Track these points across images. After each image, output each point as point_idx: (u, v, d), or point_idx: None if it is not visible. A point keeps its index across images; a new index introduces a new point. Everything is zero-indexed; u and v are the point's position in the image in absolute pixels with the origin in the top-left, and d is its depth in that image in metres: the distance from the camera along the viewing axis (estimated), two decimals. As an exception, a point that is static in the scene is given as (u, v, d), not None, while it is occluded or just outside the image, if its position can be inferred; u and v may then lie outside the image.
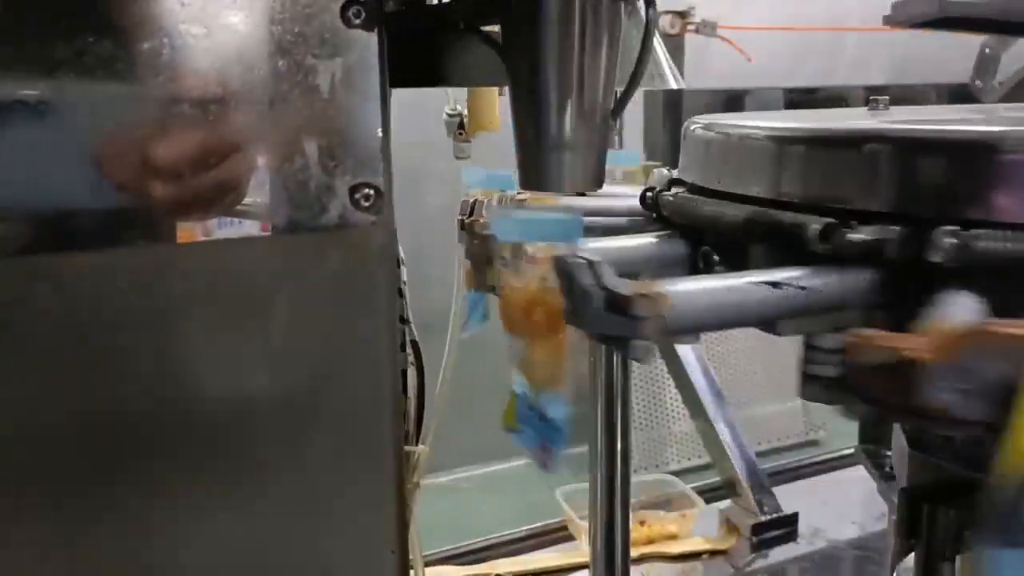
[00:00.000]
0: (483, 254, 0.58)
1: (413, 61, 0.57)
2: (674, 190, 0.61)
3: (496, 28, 0.56)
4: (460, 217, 0.70)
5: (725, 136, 0.58)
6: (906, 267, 0.44)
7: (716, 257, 0.56)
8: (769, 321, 0.45)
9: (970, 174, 0.44)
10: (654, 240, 0.59)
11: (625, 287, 0.41)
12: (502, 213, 0.51)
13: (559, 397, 0.50)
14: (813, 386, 0.46)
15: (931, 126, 0.51)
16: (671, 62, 0.86)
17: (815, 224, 0.46)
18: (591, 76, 0.50)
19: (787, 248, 0.48)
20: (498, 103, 1.07)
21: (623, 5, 0.50)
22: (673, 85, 0.85)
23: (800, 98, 2.05)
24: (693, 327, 0.44)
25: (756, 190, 0.53)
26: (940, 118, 0.60)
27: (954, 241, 0.41)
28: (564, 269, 0.43)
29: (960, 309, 0.40)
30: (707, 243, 0.57)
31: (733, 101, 2.07)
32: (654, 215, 0.63)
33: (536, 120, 0.51)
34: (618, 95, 0.54)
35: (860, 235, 0.44)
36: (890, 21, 0.68)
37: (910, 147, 0.46)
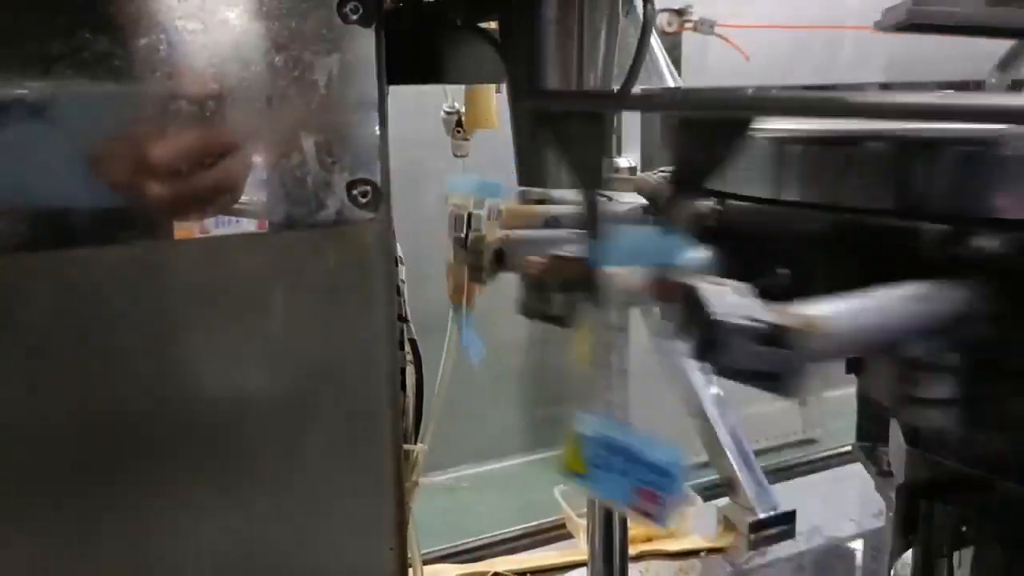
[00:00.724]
0: (562, 280, 0.50)
1: (411, 58, 0.56)
2: (722, 200, 0.56)
3: (494, 25, 0.56)
4: (457, 234, 0.65)
5: (780, 140, 0.51)
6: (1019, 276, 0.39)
7: (782, 271, 0.48)
8: (912, 341, 0.40)
9: None
10: (708, 254, 0.54)
11: (777, 315, 0.35)
12: (615, 235, 0.45)
13: (659, 439, 0.42)
14: (923, 408, 0.41)
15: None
16: (669, 61, 0.86)
17: (934, 232, 0.41)
18: (589, 72, 0.50)
19: (889, 259, 0.43)
20: (495, 101, 1.06)
21: (620, 2, 0.50)
22: (670, 83, 0.85)
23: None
24: (842, 353, 0.38)
25: (823, 197, 0.47)
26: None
27: None
28: (691, 296, 0.36)
29: None
30: (771, 255, 0.49)
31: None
32: (656, 216, 0.60)
33: (534, 117, 0.51)
34: (615, 91, 0.54)
35: (984, 243, 0.40)
36: (880, 26, 0.69)
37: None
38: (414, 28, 0.56)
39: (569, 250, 0.49)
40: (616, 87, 0.55)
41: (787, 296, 0.39)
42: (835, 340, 0.35)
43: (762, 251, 0.50)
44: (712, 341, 0.35)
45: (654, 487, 0.42)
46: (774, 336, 0.34)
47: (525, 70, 0.50)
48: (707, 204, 0.54)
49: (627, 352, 0.43)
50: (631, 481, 0.42)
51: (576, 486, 0.46)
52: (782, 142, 0.51)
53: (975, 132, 0.44)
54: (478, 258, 0.62)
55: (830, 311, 0.36)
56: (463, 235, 0.64)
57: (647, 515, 0.42)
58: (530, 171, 0.53)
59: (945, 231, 0.40)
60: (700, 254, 0.50)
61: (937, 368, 0.40)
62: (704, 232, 0.53)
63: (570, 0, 0.47)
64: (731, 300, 0.35)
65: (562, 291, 0.49)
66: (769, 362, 0.34)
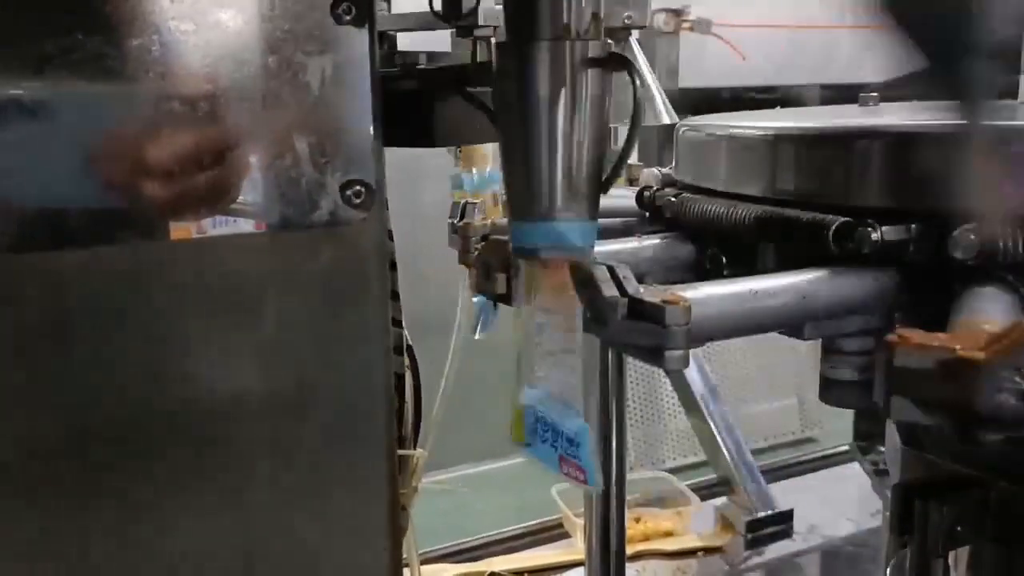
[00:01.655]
0: (498, 262, 0.56)
1: (406, 121, 0.57)
2: (673, 190, 0.60)
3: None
4: (451, 220, 0.69)
5: (728, 137, 0.57)
6: (927, 266, 0.43)
7: (724, 259, 0.55)
8: (795, 325, 0.44)
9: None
10: (659, 243, 0.58)
11: (651, 294, 0.39)
12: (517, 220, 0.48)
13: (571, 410, 0.47)
14: (836, 390, 0.45)
15: (944, 121, 0.50)
16: (666, 99, 0.85)
17: (832, 223, 0.44)
18: (579, 147, 0.48)
19: (802, 249, 0.46)
20: (489, 149, 1.12)
21: (611, 79, 0.49)
22: (667, 121, 0.85)
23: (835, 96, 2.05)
24: (720, 333, 0.42)
25: (763, 189, 0.52)
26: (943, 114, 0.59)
27: (976, 238, 0.41)
28: (583, 277, 0.41)
29: (994, 306, 0.40)
30: (714, 244, 0.55)
31: (731, 100, 2.07)
32: (647, 214, 0.62)
33: (527, 186, 0.49)
34: (609, 171, 0.53)
35: (878, 233, 0.43)
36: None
37: (931, 144, 0.45)
38: (409, 92, 0.57)
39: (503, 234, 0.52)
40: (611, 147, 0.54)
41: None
42: (703, 320, 0.39)
43: (708, 237, 0.55)
44: (600, 316, 0.40)
45: (572, 456, 0.46)
46: (647, 313, 0.38)
47: (517, 140, 0.49)
48: (665, 195, 0.57)
49: (566, 334, 0.45)
50: (557, 451, 0.47)
51: (527, 456, 0.50)
52: (721, 139, 0.57)
53: (879, 128, 0.48)
54: (466, 243, 0.64)
55: (704, 294, 0.41)
56: (456, 221, 0.67)
57: (576, 480, 0.46)
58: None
59: (847, 222, 0.44)
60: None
61: (845, 352, 0.42)
62: (665, 220, 0.59)
63: (559, 75, 0.46)
64: (617, 280, 0.40)
65: (501, 272, 0.53)
66: (646, 336, 0.38)
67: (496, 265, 0.55)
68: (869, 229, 0.44)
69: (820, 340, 0.47)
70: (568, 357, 0.47)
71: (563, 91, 0.46)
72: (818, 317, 0.43)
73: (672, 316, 0.38)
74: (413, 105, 0.58)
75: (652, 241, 0.58)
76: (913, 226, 0.43)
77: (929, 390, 0.35)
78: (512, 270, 0.50)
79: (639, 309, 0.39)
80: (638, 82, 0.46)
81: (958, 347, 0.34)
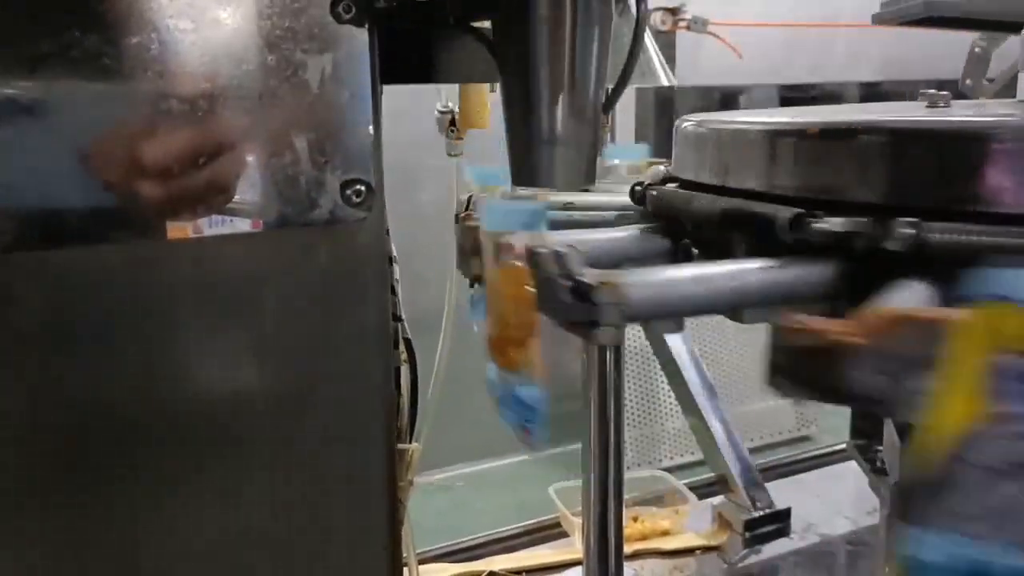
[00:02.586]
0: (470, 243, 0.59)
1: (404, 58, 0.56)
2: (657, 184, 0.62)
3: (487, 24, 0.55)
4: (457, 213, 0.71)
5: (706, 132, 0.59)
6: (869, 258, 0.44)
7: (695, 250, 0.57)
8: (731, 309, 0.47)
9: (929, 165, 0.45)
10: (636, 233, 0.60)
11: (589, 275, 0.42)
12: (488, 203, 0.52)
13: (528, 379, 0.51)
14: (776, 376, 0.46)
15: (897, 117, 0.51)
16: (662, 59, 0.86)
17: (784, 214, 0.47)
18: (582, 72, 0.50)
19: (760, 239, 0.48)
20: (489, 101, 1.06)
21: (613, 2, 0.50)
22: (664, 82, 0.85)
23: (794, 95, 2.06)
24: (654, 313, 0.45)
25: (733, 183, 0.54)
26: (909, 112, 0.61)
27: (911, 231, 0.42)
28: (534, 258, 0.45)
29: (902, 297, 0.41)
30: (687, 235, 0.57)
31: (726, 99, 2.08)
32: (642, 210, 0.63)
33: (527, 116, 0.51)
34: (609, 91, 0.54)
35: (826, 225, 0.45)
36: (879, 20, 0.68)
37: (883, 139, 0.47)
38: (406, 28, 0.57)
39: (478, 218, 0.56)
40: (610, 86, 0.55)
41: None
42: (649, 300, 0.43)
43: (682, 229, 0.58)
44: (544, 294, 0.44)
45: (527, 421, 0.53)
46: (583, 291, 0.42)
47: (517, 70, 0.51)
48: (651, 189, 0.61)
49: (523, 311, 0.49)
50: (517, 416, 0.53)
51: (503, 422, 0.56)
52: (709, 134, 0.59)
53: (830, 123, 0.51)
54: (464, 235, 0.67)
55: (641, 278, 0.44)
56: (460, 213, 0.68)
57: (526, 443, 0.54)
58: (522, 171, 0.53)
59: (798, 214, 0.46)
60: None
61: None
62: (647, 210, 0.62)
63: (562, 0, 0.47)
64: (562, 261, 0.43)
65: (475, 255, 0.57)
66: (582, 313, 0.42)
67: (470, 248, 0.57)
68: (811, 220, 0.45)
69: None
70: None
71: (566, 14, 0.48)
72: (753, 303, 0.46)
73: (603, 295, 0.41)
74: (410, 40, 0.58)
75: (630, 231, 0.60)
76: (860, 219, 0.44)
77: (808, 371, 0.38)
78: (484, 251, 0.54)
79: (576, 288, 0.42)
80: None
81: (833, 330, 0.36)
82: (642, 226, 0.61)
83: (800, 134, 0.51)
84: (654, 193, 0.60)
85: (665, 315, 0.46)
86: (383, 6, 0.48)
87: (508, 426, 0.55)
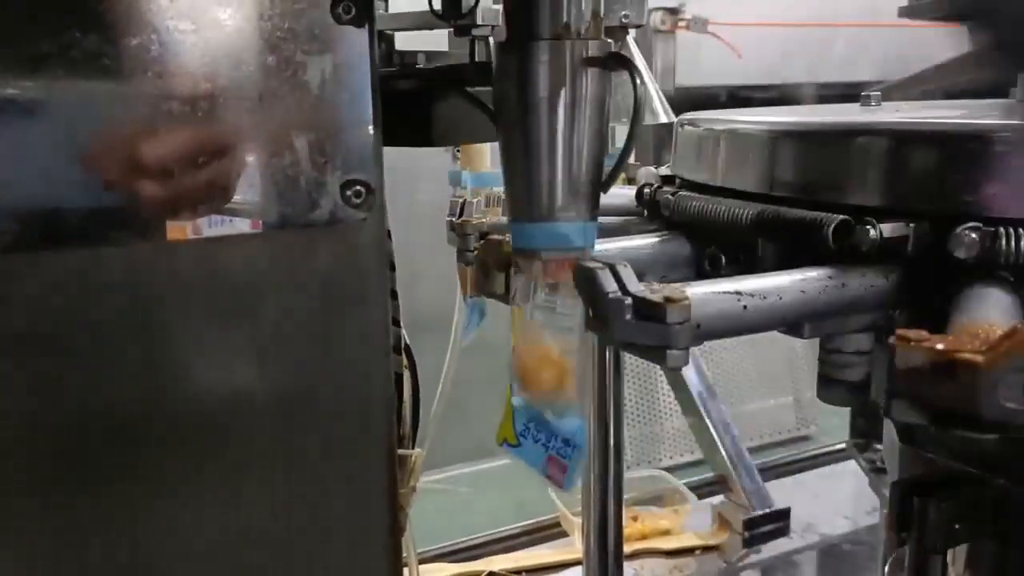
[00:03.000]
0: (496, 261, 0.56)
1: (405, 121, 0.57)
2: (671, 188, 0.60)
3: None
4: (449, 218, 0.69)
5: (729, 132, 0.56)
6: (926, 265, 0.43)
7: (723, 258, 0.55)
8: (796, 323, 0.44)
9: (992, 170, 0.43)
10: (657, 241, 0.58)
11: (653, 292, 0.39)
12: (517, 220, 0.49)
13: (570, 408, 0.46)
14: (834, 389, 0.45)
15: (951, 120, 0.50)
16: (663, 98, 0.86)
17: (831, 222, 0.44)
18: (579, 147, 0.48)
19: (800, 247, 0.46)
20: (488, 148, 1.11)
21: (609, 80, 0.49)
22: (664, 120, 0.85)
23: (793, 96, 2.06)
24: (723, 331, 0.42)
25: (762, 186, 0.52)
26: (956, 114, 0.59)
27: (977, 237, 0.41)
28: (584, 276, 0.41)
29: (993, 307, 0.40)
30: (712, 242, 0.55)
31: (726, 100, 2.07)
32: (645, 212, 0.62)
33: (527, 187, 0.49)
34: (608, 172, 0.53)
35: (877, 232, 0.43)
36: (908, 13, 0.67)
37: (929, 143, 0.45)
38: (409, 92, 0.57)
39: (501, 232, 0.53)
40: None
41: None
42: (705, 318, 0.39)
43: (706, 235, 0.55)
44: (601, 315, 0.40)
45: (563, 456, 0.47)
46: (649, 311, 0.38)
47: (517, 138, 0.49)
48: (664, 193, 0.57)
49: (566, 334, 0.45)
50: (548, 451, 0.48)
51: (509, 455, 0.50)
52: (720, 134, 0.57)
53: (880, 125, 0.49)
54: (464, 241, 0.65)
55: (706, 292, 0.40)
56: (455, 219, 0.67)
57: (555, 481, 0.48)
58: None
59: (845, 220, 0.44)
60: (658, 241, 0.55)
61: (843, 351, 0.42)
62: (664, 218, 0.59)
63: (559, 75, 0.46)
64: (618, 279, 0.39)
65: (499, 271, 0.53)
66: (648, 335, 0.38)
67: (494, 265, 0.55)
68: (868, 227, 0.44)
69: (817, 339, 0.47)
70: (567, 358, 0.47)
71: (563, 91, 0.46)
72: (818, 316, 0.43)
73: (674, 314, 0.38)
74: (412, 104, 0.58)
75: (650, 239, 0.58)
76: (912, 224, 0.43)
77: (929, 392, 0.35)
78: (511, 270, 0.50)
79: (641, 307, 0.39)
80: (638, 81, 0.46)
81: (959, 349, 0.34)
82: (662, 233, 0.58)
83: (831, 136, 0.49)
84: (671, 198, 0.58)
85: (734, 332, 0.42)
86: (385, 71, 0.47)
87: (525, 460, 0.49)
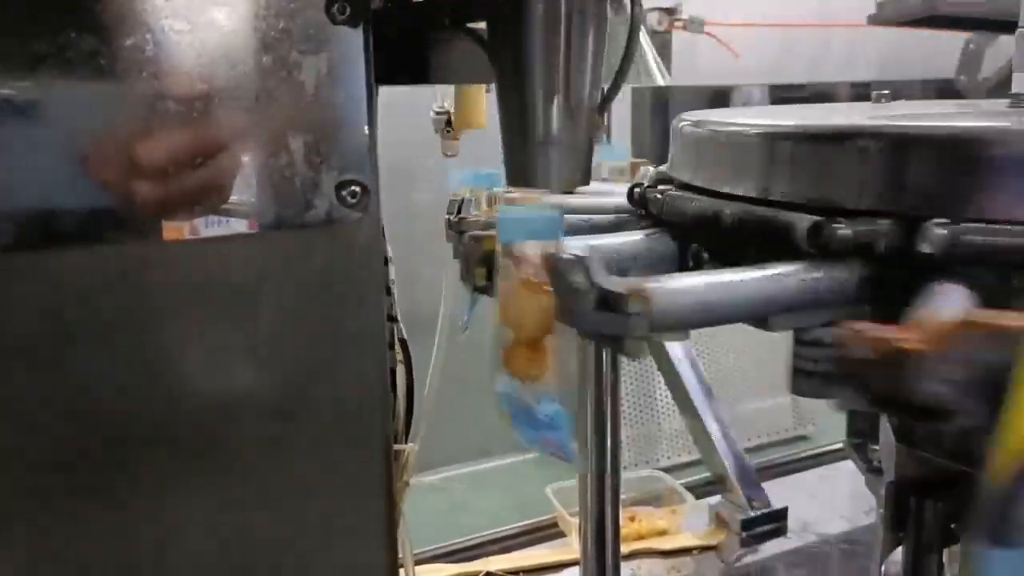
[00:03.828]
0: (475, 253, 0.58)
1: (399, 59, 0.56)
2: (661, 187, 0.61)
3: (483, 25, 0.56)
4: (448, 216, 0.70)
5: (714, 133, 0.57)
6: (895, 262, 0.44)
7: (705, 255, 0.56)
8: (760, 317, 0.45)
9: (959, 170, 0.44)
10: (642, 237, 0.59)
11: (616, 284, 0.40)
12: (501, 213, 0.50)
13: (546, 393, 0.49)
14: (804, 381, 0.46)
15: (918, 122, 0.51)
16: (658, 58, 0.86)
17: (803, 222, 0.46)
18: (577, 73, 0.50)
19: (777, 246, 0.47)
20: (484, 101, 1.07)
21: (609, 2, 0.50)
22: (660, 82, 0.85)
23: (786, 95, 2.06)
24: (683, 323, 0.43)
25: (745, 188, 0.53)
26: (926, 114, 0.60)
27: (944, 233, 0.42)
28: (555, 266, 0.43)
29: (950, 300, 0.40)
30: (696, 241, 0.57)
31: (719, 97, 2.08)
32: (641, 212, 0.62)
33: (523, 117, 0.51)
34: (604, 91, 0.54)
35: (848, 231, 0.44)
36: (875, 20, 0.69)
37: (898, 143, 0.46)
38: (402, 29, 0.57)
39: (489, 229, 0.54)
40: (606, 86, 0.55)
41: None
42: (666, 309, 0.41)
43: (690, 234, 0.56)
44: (567, 304, 0.42)
45: (553, 438, 0.50)
46: (611, 302, 0.39)
47: (512, 71, 0.51)
48: (652, 192, 0.59)
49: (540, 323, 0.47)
50: (538, 432, 0.50)
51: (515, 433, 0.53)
52: (712, 136, 0.57)
53: (841, 128, 0.50)
54: (461, 239, 0.65)
55: (677, 285, 0.42)
56: (452, 218, 0.67)
57: (560, 457, 0.51)
58: (518, 171, 0.53)
59: (817, 221, 0.45)
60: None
61: (818, 344, 0.44)
62: (652, 217, 0.60)
63: (557, 0, 0.47)
64: (585, 270, 0.41)
65: (480, 265, 0.55)
66: (610, 325, 0.39)
67: (476, 258, 0.56)
68: (835, 226, 0.45)
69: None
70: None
71: (561, 16, 0.47)
72: (783, 309, 0.44)
73: (634, 305, 0.39)
74: (409, 42, 0.58)
75: (636, 237, 0.59)
76: (883, 222, 0.44)
77: (871, 380, 0.36)
78: (493, 262, 0.52)
79: (604, 298, 0.40)
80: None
81: (900, 337, 0.35)
82: (647, 230, 0.60)
83: (811, 138, 0.50)
84: (658, 196, 0.59)
85: (693, 324, 0.43)
86: (379, 7, 0.48)
87: (531, 443, 0.53)
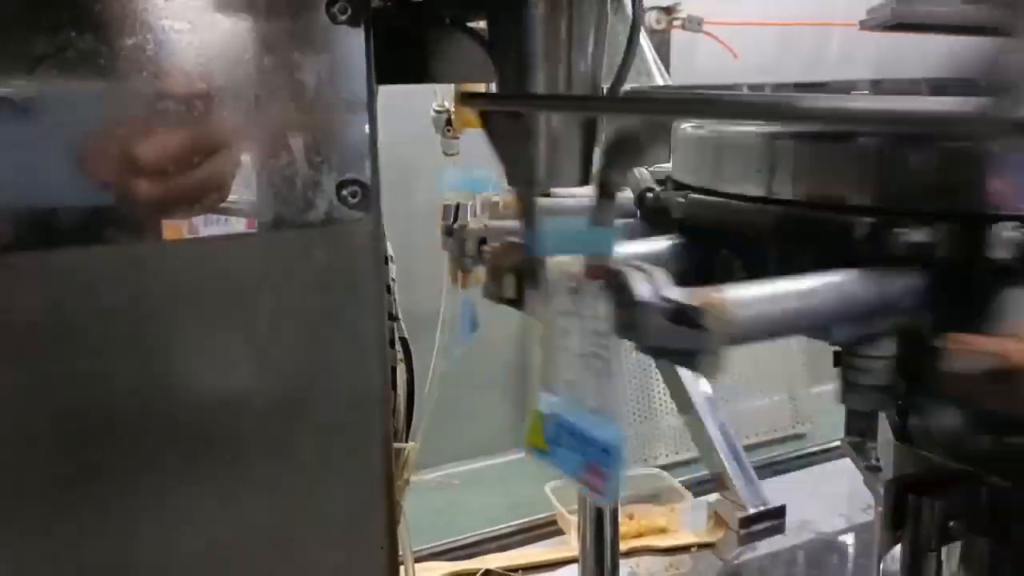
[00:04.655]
0: (504, 262, 0.55)
1: (399, 58, 0.56)
2: (676, 191, 0.59)
3: (483, 23, 0.56)
4: (444, 223, 0.69)
5: (738, 135, 0.55)
6: (960, 268, 0.42)
7: (738, 262, 0.53)
8: (825, 327, 0.42)
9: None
10: (669, 244, 0.57)
11: (690, 296, 0.37)
12: (543, 224, 0.47)
13: (607, 416, 0.45)
14: (859, 393, 0.43)
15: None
16: (657, 58, 0.86)
17: (862, 226, 0.43)
18: (577, 72, 0.50)
19: (827, 251, 0.45)
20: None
21: (609, 1, 0.50)
22: (659, 81, 0.85)
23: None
24: (758, 335, 0.40)
25: (781, 191, 0.50)
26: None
27: (1019, 236, 0.39)
28: (615, 280, 0.40)
29: None
30: (727, 246, 0.54)
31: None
32: (652, 217, 0.61)
33: (522, 116, 0.51)
34: (604, 91, 0.54)
35: (911, 236, 0.42)
36: (866, 27, 0.70)
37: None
38: (402, 27, 0.57)
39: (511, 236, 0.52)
40: (606, 86, 0.55)
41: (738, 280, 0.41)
42: (743, 321, 0.38)
43: (718, 240, 0.53)
44: (633, 320, 0.39)
45: (600, 463, 0.44)
46: (685, 316, 0.37)
47: (513, 69, 0.51)
48: (674, 197, 0.56)
49: (595, 339, 0.44)
50: (582, 457, 0.45)
51: (537, 461, 0.48)
52: (732, 139, 0.54)
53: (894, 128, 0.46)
54: (461, 246, 0.65)
55: (741, 295, 0.39)
56: (450, 224, 0.67)
57: (595, 490, 0.44)
58: (517, 170, 0.53)
59: (874, 224, 0.42)
60: (654, 245, 0.55)
61: (873, 356, 0.41)
62: (671, 222, 0.57)
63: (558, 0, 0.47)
64: (651, 283, 0.38)
65: (513, 276, 0.52)
66: (682, 340, 0.37)
67: (507, 268, 0.54)
68: (897, 231, 0.42)
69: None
70: (598, 362, 0.45)
71: (561, 14, 0.47)
72: (852, 318, 0.42)
73: (712, 319, 0.37)
74: (409, 40, 0.58)
75: (661, 244, 0.57)
76: (943, 227, 0.42)
77: (982, 395, 0.34)
78: (526, 273, 0.50)
79: (676, 312, 0.37)
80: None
81: (1012, 353, 0.33)
82: (671, 237, 0.57)
83: (845, 139, 0.47)
84: (681, 200, 0.56)
85: (768, 336, 0.40)
86: (378, 5, 0.48)
87: (560, 467, 0.47)
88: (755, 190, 0.52)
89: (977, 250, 0.40)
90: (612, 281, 0.40)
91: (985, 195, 0.42)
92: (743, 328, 0.38)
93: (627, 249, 0.56)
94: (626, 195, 0.64)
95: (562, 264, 0.46)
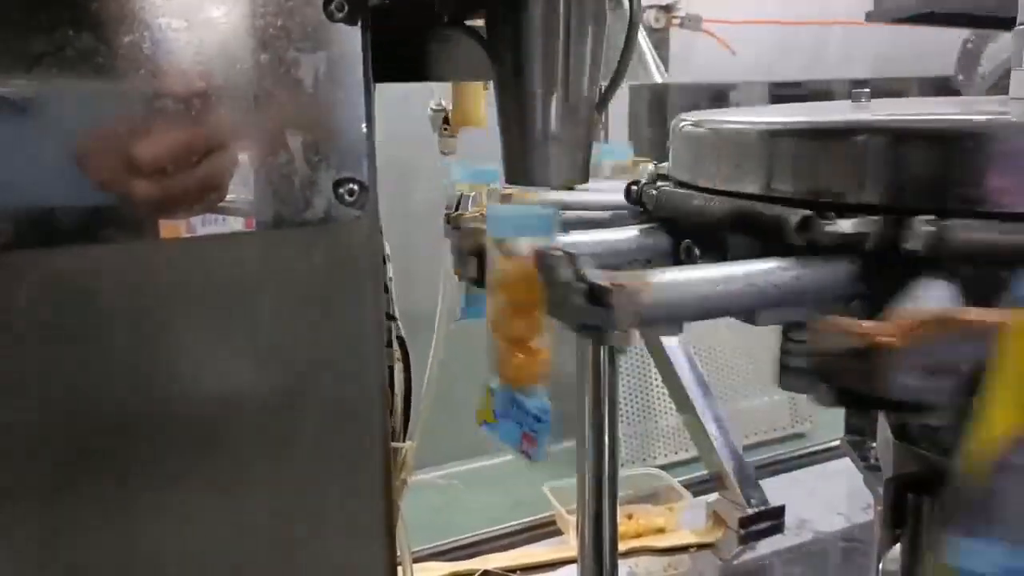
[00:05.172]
0: (470, 247, 0.58)
1: (397, 56, 0.56)
2: (659, 185, 0.61)
3: (481, 22, 0.56)
4: (446, 211, 0.70)
5: (708, 132, 0.58)
6: (884, 258, 0.44)
7: (698, 250, 0.57)
8: (748, 311, 0.46)
9: (948, 164, 0.44)
10: (637, 233, 0.60)
11: (601, 277, 0.41)
12: (494, 209, 0.51)
13: (537, 389, 0.51)
14: (790, 376, 0.46)
15: (908, 117, 0.51)
16: (656, 56, 0.86)
17: (794, 216, 0.46)
18: (576, 70, 0.50)
19: (768, 241, 0.48)
20: (483, 98, 1.06)
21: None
22: (658, 79, 0.85)
23: (785, 92, 2.06)
24: (671, 317, 0.44)
25: (738, 185, 0.53)
26: (918, 110, 0.61)
27: (932, 229, 0.42)
28: (544, 262, 0.44)
29: (932, 297, 0.40)
30: (689, 236, 0.57)
31: (719, 95, 2.08)
32: (639, 209, 0.63)
33: (522, 114, 0.51)
34: (603, 89, 0.54)
35: (837, 226, 0.45)
36: (873, 18, 0.69)
37: (889, 139, 0.46)
38: (401, 26, 0.57)
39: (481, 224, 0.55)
40: (604, 83, 0.55)
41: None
42: (653, 303, 0.42)
43: (683, 229, 0.57)
44: (556, 298, 0.43)
45: (533, 431, 0.51)
46: (598, 296, 0.40)
47: (511, 68, 0.51)
48: (650, 190, 0.60)
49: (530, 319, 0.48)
50: (521, 428, 0.52)
51: (488, 434, 0.55)
52: (707, 135, 0.58)
53: (825, 125, 0.51)
54: (465, 238, 0.65)
55: (665, 279, 0.43)
56: (451, 212, 0.68)
57: (527, 455, 0.52)
58: (516, 168, 0.54)
59: (807, 215, 0.45)
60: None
61: (803, 340, 0.44)
62: (648, 213, 0.60)
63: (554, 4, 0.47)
64: (573, 266, 0.42)
65: (475, 258, 0.56)
66: (595, 317, 0.41)
67: (467, 249, 0.57)
68: (824, 221, 0.45)
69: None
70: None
71: (559, 12, 0.47)
72: (770, 304, 0.45)
73: (617, 298, 0.40)
74: (407, 39, 0.58)
75: (631, 232, 0.60)
76: (873, 218, 0.44)
77: (844, 375, 0.36)
78: (485, 255, 0.52)
79: (590, 292, 0.41)
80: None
81: (871, 332, 0.35)
82: (642, 226, 0.61)
83: (802, 134, 0.51)
84: (654, 193, 0.60)
85: (680, 318, 0.44)
86: (377, 4, 0.48)
87: (501, 437, 0.54)
88: (707, 183, 0.56)
89: (895, 241, 0.43)
90: (542, 264, 0.44)
91: (906, 190, 0.45)
92: (654, 308, 0.42)
93: (598, 237, 0.59)
94: (619, 188, 0.66)
95: (502, 245, 0.50)
